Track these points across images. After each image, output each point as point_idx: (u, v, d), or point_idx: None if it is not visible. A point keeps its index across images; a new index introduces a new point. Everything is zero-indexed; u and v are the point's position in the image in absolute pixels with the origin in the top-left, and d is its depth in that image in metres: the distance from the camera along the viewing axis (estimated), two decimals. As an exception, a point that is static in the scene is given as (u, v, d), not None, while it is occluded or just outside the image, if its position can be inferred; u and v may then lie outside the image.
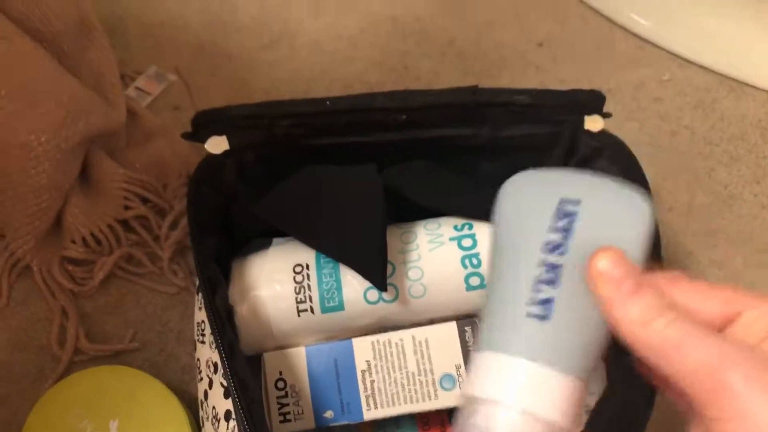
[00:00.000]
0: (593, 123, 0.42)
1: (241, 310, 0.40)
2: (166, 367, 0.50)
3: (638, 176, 0.40)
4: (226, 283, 0.41)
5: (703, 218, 0.59)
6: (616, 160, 0.42)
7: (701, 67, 0.68)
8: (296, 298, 0.40)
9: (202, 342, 0.42)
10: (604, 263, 0.24)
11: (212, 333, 0.36)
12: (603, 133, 0.42)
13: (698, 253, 0.57)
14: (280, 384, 0.39)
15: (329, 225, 0.40)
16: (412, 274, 0.40)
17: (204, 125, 0.41)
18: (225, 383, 0.38)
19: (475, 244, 0.41)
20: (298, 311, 0.40)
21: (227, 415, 0.38)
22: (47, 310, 0.52)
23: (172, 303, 0.53)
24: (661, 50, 0.70)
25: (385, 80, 0.67)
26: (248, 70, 0.68)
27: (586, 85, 0.66)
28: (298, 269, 0.40)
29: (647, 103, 0.66)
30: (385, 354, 0.39)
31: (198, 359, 0.42)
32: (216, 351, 0.37)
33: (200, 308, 0.42)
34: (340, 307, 0.40)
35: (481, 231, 0.41)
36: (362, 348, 0.39)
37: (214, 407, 0.39)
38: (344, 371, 0.39)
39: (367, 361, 0.39)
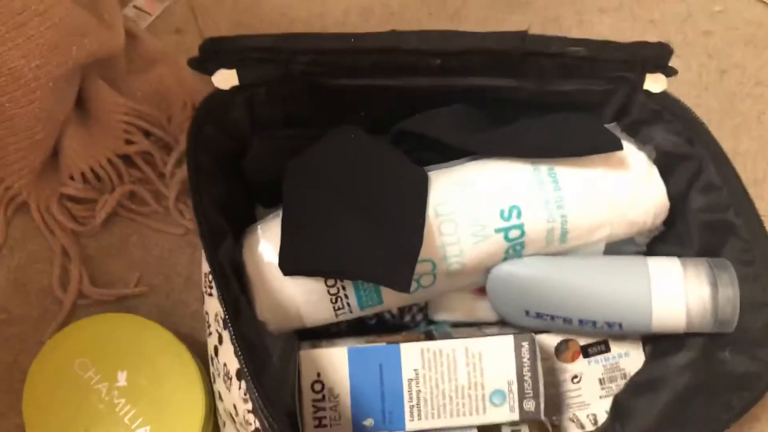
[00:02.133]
0: (655, 82, 0.37)
1: (261, 296, 0.37)
2: (174, 313, 0.48)
3: (706, 149, 0.36)
4: (235, 238, 0.37)
5: (749, 166, 0.55)
6: (676, 128, 0.38)
7: (756, -3, 0.62)
8: (333, 307, 0.37)
9: (210, 294, 0.39)
10: None
11: (217, 290, 0.33)
12: (664, 95, 0.38)
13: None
14: (317, 386, 0.37)
15: (357, 238, 0.35)
16: (453, 265, 0.37)
17: (212, 55, 0.37)
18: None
19: (522, 235, 0.37)
20: (336, 314, 0.38)
21: (239, 375, 0.36)
22: (47, 249, 0.49)
23: (180, 245, 0.50)
24: (713, -23, 0.63)
25: (408, 3, 0.61)
26: (258, -12, 0.62)
27: (627, 16, 0.61)
28: (330, 282, 0.37)
29: (695, 37, 0.60)
30: (435, 363, 0.37)
31: (206, 312, 0.40)
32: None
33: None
34: (379, 302, 0.38)
35: (530, 213, 0.37)
36: (410, 355, 0.37)
37: (225, 364, 0.37)
38: (389, 378, 0.36)
39: (415, 370, 0.37)
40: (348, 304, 0.38)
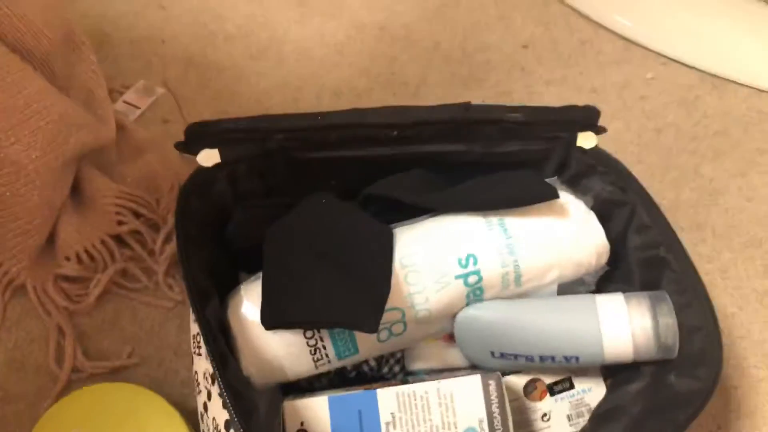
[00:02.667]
0: (586, 140, 0.43)
1: (246, 352, 0.40)
2: (165, 381, 0.50)
3: (636, 195, 0.41)
4: (220, 299, 0.41)
5: (691, 213, 0.60)
6: (609, 178, 0.43)
7: (684, 65, 0.69)
8: (313, 358, 0.40)
9: (198, 354, 0.42)
10: None
11: (205, 345, 0.36)
12: (596, 150, 0.43)
13: (687, 248, 0.57)
14: None
15: (330, 290, 0.39)
16: (421, 312, 0.41)
17: (196, 138, 0.42)
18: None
19: (480, 280, 0.41)
20: (316, 365, 0.41)
21: (227, 425, 0.38)
22: (43, 329, 0.52)
23: (169, 317, 0.53)
24: (644, 49, 0.71)
25: (373, 86, 0.68)
26: (237, 80, 0.68)
27: (571, 86, 0.68)
28: (309, 334, 0.40)
29: (633, 102, 0.67)
30: (410, 406, 0.39)
31: (195, 372, 0.42)
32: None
33: (194, 320, 0.42)
34: (355, 351, 0.41)
35: (485, 259, 0.41)
36: (387, 399, 0.39)
37: (214, 419, 0.40)
38: (368, 423, 0.39)
39: (392, 413, 0.39)
40: (326, 355, 0.40)
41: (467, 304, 0.41)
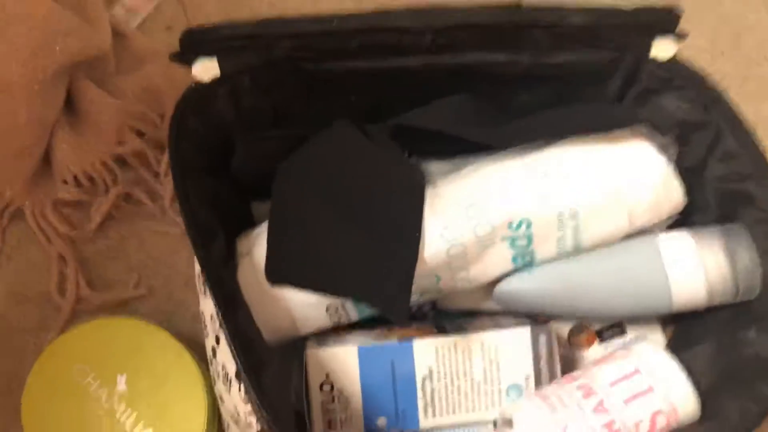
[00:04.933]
0: (663, 48, 0.35)
1: (254, 306, 0.35)
2: (175, 315, 0.47)
3: (723, 116, 0.35)
4: (228, 235, 0.36)
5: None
6: (688, 95, 0.36)
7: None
8: (329, 315, 0.37)
9: (205, 294, 0.38)
10: None
11: (209, 290, 0.32)
12: (673, 61, 0.35)
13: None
14: (326, 387, 0.35)
15: (350, 253, 0.34)
16: (459, 283, 0.36)
17: (192, 46, 0.36)
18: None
19: (531, 243, 0.36)
20: (332, 321, 0.37)
21: (238, 376, 0.35)
22: (44, 256, 0.48)
23: (178, 245, 0.49)
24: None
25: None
26: (249, -18, 0.61)
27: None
28: (332, 310, 0.36)
29: (706, 1, 0.58)
30: (450, 360, 0.35)
31: (202, 312, 0.39)
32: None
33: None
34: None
35: (541, 225, 0.35)
36: (424, 352, 0.35)
37: (223, 366, 0.36)
38: (402, 376, 0.35)
39: (429, 367, 0.35)
40: (346, 313, 0.37)
41: (513, 270, 0.36)
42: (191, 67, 0.36)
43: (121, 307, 0.47)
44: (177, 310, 0.47)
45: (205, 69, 0.35)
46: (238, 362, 0.30)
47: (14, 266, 0.48)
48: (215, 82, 0.35)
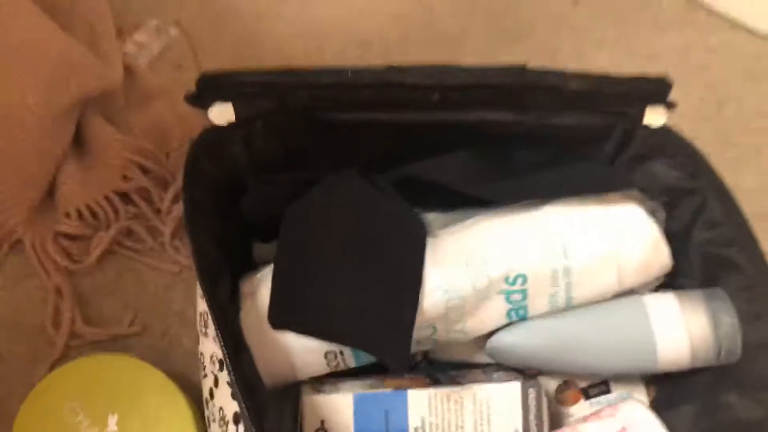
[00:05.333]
0: (655, 116, 0.37)
1: (254, 348, 0.36)
2: (169, 352, 0.47)
3: (709, 184, 0.36)
4: (232, 275, 0.37)
5: (751, 200, 0.54)
6: (677, 162, 0.37)
7: (751, 32, 0.62)
8: (327, 362, 0.37)
9: (205, 334, 0.38)
10: None
11: (215, 330, 0.32)
12: (664, 129, 0.37)
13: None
14: None
15: (352, 301, 0.35)
16: (453, 334, 0.37)
17: (208, 90, 0.36)
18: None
19: (525, 298, 0.37)
20: (329, 366, 0.37)
21: (236, 418, 0.35)
22: (41, 288, 0.48)
23: (175, 282, 0.49)
24: (708, 11, 0.63)
25: (407, 38, 0.62)
26: (258, 25, 0.63)
27: (624, 50, 0.61)
28: (331, 356, 0.36)
29: (692, 71, 0.60)
30: (442, 411, 0.36)
31: (201, 353, 0.39)
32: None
33: (202, 296, 0.38)
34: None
35: (535, 281, 0.36)
36: (417, 402, 0.36)
37: (221, 408, 0.36)
38: (395, 425, 0.35)
39: (422, 417, 0.36)
40: (344, 361, 0.37)
41: (508, 323, 0.37)
42: (204, 109, 0.37)
43: (116, 343, 0.47)
44: (171, 348, 0.47)
45: (221, 113, 0.36)
46: (243, 407, 0.30)
47: (10, 297, 0.48)
48: (230, 126, 0.36)
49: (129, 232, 0.50)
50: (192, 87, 0.36)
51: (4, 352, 0.46)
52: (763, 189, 0.55)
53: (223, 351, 0.31)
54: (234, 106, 0.36)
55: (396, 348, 0.34)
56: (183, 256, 0.50)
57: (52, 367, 0.45)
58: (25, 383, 0.44)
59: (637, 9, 0.64)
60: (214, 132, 0.36)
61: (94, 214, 0.49)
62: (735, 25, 0.63)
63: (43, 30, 0.44)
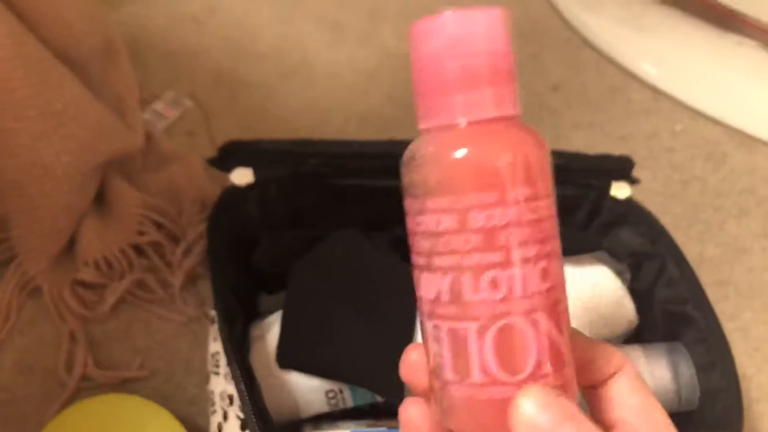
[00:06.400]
0: (620, 189, 0.43)
1: (265, 389, 0.39)
2: (173, 397, 0.49)
3: (667, 249, 0.41)
4: (243, 317, 0.40)
5: (714, 270, 0.59)
6: (640, 230, 0.43)
7: (712, 119, 0.69)
8: (328, 400, 0.40)
9: (216, 373, 0.41)
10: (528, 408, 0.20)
11: (229, 364, 0.36)
12: (629, 201, 0.43)
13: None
14: None
15: (351, 344, 0.39)
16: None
17: (231, 155, 0.42)
18: (242, 415, 0.38)
19: None
20: (329, 405, 0.41)
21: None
22: (55, 333, 0.51)
23: (182, 332, 0.52)
24: (673, 101, 0.71)
25: (401, 115, 0.68)
26: (266, 98, 0.69)
27: (599, 132, 0.68)
28: (331, 395, 0.40)
29: (659, 153, 0.67)
30: None
31: (212, 391, 0.42)
32: (232, 382, 0.36)
33: (215, 339, 0.42)
34: (373, 399, 0.41)
35: None
36: None
37: (227, 443, 0.39)
38: None
39: None
40: (343, 399, 0.40)
41: None
42: (227, 172, 0.42)
43: (123, 387, 0.49)
44: (175, 393, 0.50)
45: (242, 176, 0.41)
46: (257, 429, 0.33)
47: (25, 341, 0.51)
48: (247, 187, 0.41)
49: (141, 283, 0.54)
50: (203, 152, 0.41)
51: (17, 391, 0.49)
52: (724, 259, 0.60)
53: (237, 385, 0.34)
54: (253, 170, 0.41)
55: (391, 382, 0.37)
56: (191, 308, 0.53)
57: (62, 407, 0.47)
58: (35, 422, 0.47)
59: (609, 97, 0.71)
60: (234, 191, 0.41)
61: (110, 265, 0.53)
62: (696, 113, 0.70)
63: (82, 99, 0.49)
